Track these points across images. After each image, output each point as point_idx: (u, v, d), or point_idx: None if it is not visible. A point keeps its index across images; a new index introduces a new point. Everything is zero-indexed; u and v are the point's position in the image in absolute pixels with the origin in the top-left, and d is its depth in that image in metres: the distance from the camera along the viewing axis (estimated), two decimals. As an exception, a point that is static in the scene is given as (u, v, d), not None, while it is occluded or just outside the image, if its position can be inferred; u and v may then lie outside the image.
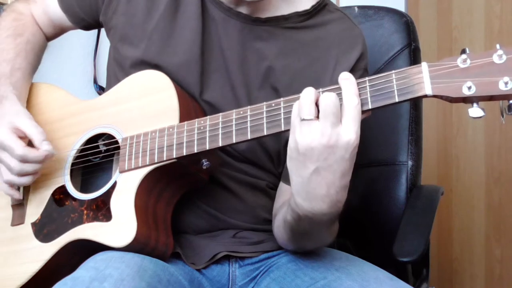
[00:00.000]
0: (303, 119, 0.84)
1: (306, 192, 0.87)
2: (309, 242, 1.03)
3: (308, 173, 0.85)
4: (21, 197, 1.12)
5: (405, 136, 1.47)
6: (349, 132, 0.83)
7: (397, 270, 1.21)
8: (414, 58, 1.49)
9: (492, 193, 2.26)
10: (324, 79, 1.10)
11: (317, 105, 0.84)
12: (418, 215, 1.35)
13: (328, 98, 0.83)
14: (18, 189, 1.12)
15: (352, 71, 1.11)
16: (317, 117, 0.83)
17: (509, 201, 2.23)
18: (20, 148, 1.05)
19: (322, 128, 0.83)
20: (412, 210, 1.38)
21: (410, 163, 1.46)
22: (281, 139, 1.09)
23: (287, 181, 1.07)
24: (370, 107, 0.85)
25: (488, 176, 2.27)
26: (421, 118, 1.50)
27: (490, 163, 2.26)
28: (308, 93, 0.85)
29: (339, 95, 0.85)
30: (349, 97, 0.84)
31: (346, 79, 0.85)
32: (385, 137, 1.48)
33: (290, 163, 0.87)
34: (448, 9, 2.34)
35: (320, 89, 0.87)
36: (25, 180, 1.09)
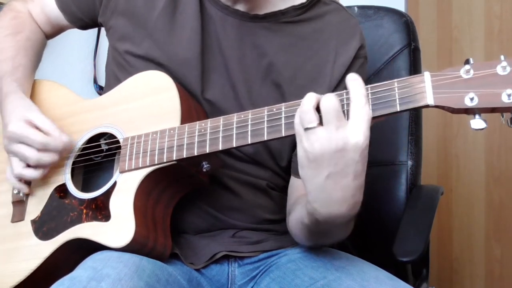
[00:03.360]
0: (307, 128, 0.83)
1: (323, 199, 0.86)
2: (327, 239, 1.03)
3: (322, 179, 0.84)
4: (28, 192, 1.12)
5: (405, 136, 1.47)
6: (356, 134, 0.81)
7: (397, 270, 1.20)
8: (414, 58, 1.49)
9: (492, 192, 2.26)
10: (326, 71, 1.10)
11: (318, 110, 0.83)
12: (418, 215, 1.34)
13: (327, 103, 0.82)
14: (27, 184, 1.12)
15: (353, 60, 1.11)
16: (320, 123, 0.83)
17: (509, 201, 2.23)
18: (40, 136, 1.05)
19: (327, 134, 0.82)
20: (412, 210, 1.37)
21: (410, 163, 1.46)
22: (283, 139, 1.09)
23: (297, 175, 1.07)
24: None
25: (488, 176, 2.27)
26: (421, 118, 1.50)
27: (490, 163, 2.26)
28: (308, 101, 0.84)
29: (341, 96, 0.85)
30: (356, 97, 0.83)
31: (355, 80, 0.84)
32: (385, 137, 1.48)
33: (302, 172, 0.87)
34: (448, 9, 2.34)
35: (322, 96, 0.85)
36: (37, 173, 1.08)
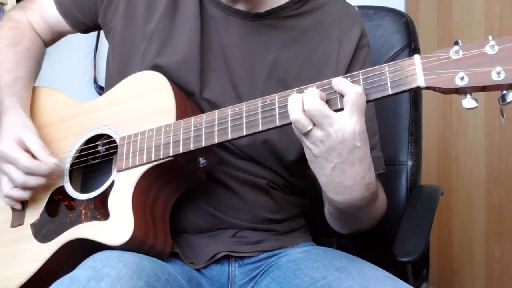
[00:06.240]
0: (305, 133, 0.87)
1: (334, 188, 0.92)
2: (361, 222, 1.07)
3: (329, 170, 0.89)
4: (21, 207, 1.12)
5: (405, 136, 1.47)
6: (351, 123, 0.85)
7: (397, 270, 1.20)
8: (414, 58, 1.49)
9: (492, 193, 2.26)
10: (331, 61, 1.12)
11: None
12: (418, 215, 1.34)
13: (310, 107, 0.85)
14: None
15: (357, 49, 1.13)
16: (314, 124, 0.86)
17: (509, 201, 2.23)
18: (26, 160, 1.06)
19: (325, 132, 0.86)
20: (412, 210, 1.37)
21: (410, 163, 1.46)
22: (287, 133, 1.09)
23: None
24: None
25: (488, 176, 2.27)
26: (421, 118, 1.50)
27: (490, 163, 2.26)
28: (295, 108, 0.86)
29: (324, 86, 0.87)
30: (348, 92, 0.86)
31: (339, 83, 0.87)
32: (385, 137, 1.47)
33: (311, 166, 0.92)
34: (448, 9, 2.34)
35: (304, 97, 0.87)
36: (24, 194, 1.09)
